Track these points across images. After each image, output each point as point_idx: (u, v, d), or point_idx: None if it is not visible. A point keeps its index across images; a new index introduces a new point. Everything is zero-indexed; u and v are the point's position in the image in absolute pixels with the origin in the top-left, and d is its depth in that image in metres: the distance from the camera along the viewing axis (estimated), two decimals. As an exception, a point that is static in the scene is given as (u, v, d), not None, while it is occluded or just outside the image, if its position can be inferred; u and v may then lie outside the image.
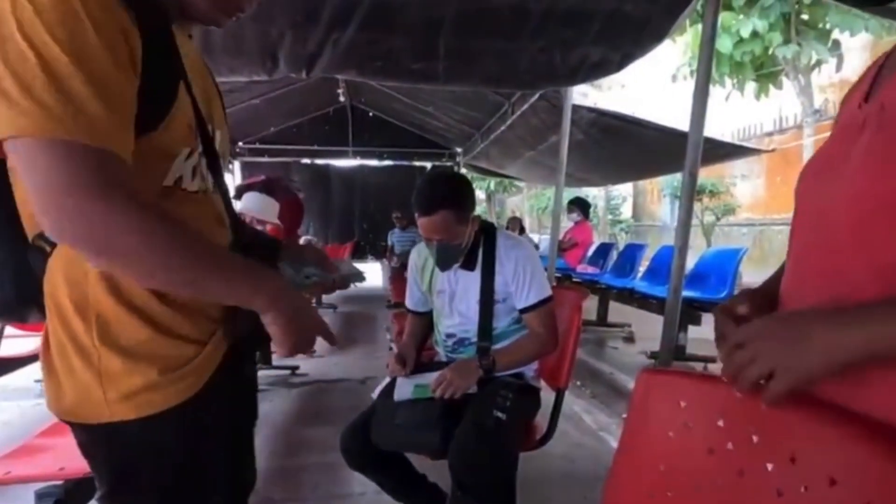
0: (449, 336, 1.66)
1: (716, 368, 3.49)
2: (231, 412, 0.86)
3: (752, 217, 7.46)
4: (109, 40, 0.61)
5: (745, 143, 4.97)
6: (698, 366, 3.37)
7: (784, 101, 7.28)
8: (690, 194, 2.34)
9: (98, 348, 0.70)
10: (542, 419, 1.61)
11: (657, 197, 11.08)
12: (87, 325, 0.70)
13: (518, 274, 1.53)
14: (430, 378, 1.50)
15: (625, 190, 11.66)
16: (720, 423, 0.71)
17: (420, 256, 1.74)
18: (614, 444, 2.60)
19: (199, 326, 0.77)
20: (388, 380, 1.61)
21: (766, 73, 5.00)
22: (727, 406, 0.70)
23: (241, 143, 8.11)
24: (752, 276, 3.51)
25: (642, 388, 0.84)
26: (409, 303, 1.80)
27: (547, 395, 1.63)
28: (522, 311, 1.55)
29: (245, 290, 0.71)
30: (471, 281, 1.59)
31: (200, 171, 0.77)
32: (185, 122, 0.73)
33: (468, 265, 1.60)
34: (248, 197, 2.79)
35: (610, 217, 11.19)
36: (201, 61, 0.83)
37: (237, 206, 2.76)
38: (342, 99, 6.69)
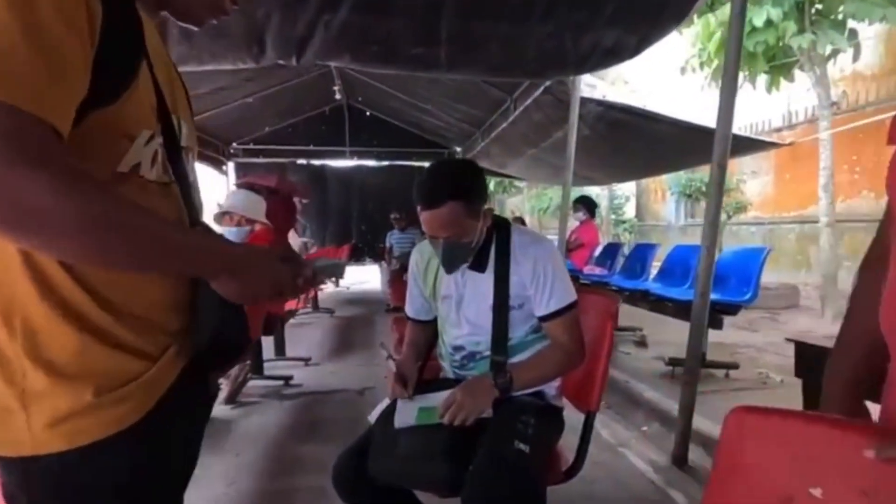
0: (457, 349, 1.44)
1: (738, 375, 3.30)
2: (188, 440, 0.77)
3: (760, 216, 7.27)
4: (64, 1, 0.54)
5: (760, 137, 4.78)
6: (720, 373, 3.16)
7: (793, 96, 7.09)
8: (719, 187, 2.14)
9: (22, 361, 0.60)
10: (563, 443, 1.40)
11: (661, 196, 10.87)
12: (10, 333, 0.60)
13: (537, 275, 1.31)
14: (437, 400, 1.29)
15: (628, 189, 11.46)
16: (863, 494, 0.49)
17: (422, 257, 1.52)
18: (634, 460, 2.40)
19: (148, 337, 0.68)
20: (387, 401, 1.39)
21: (778, 64, 4.80)
22: (869, 471, 0.48)
23: (234, 144, 7.93)
24: (764, 276, 3.31)
25: (735, 436, 0.61)
26: (409, 310, 1.58)
27: (570, 414, 1.41)
28: (543, 318, 1.33)
29: (198, 256, 0.66)
30: (482, 284, 1.38)
31: (161, 160, 0.70)
32: (147, 102, 0.67)
33: (478, 265, 1.38)
34: (234, 195, 2.58)
35: (613, 217, 10.99)
36: (165, 52, 0.77)
37: (223, 203, 2.55)
38: (338, 97, 6.49)
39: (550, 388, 1.41)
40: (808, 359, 2.09)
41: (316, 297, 6.48)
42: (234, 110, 6.19)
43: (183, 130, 0.77)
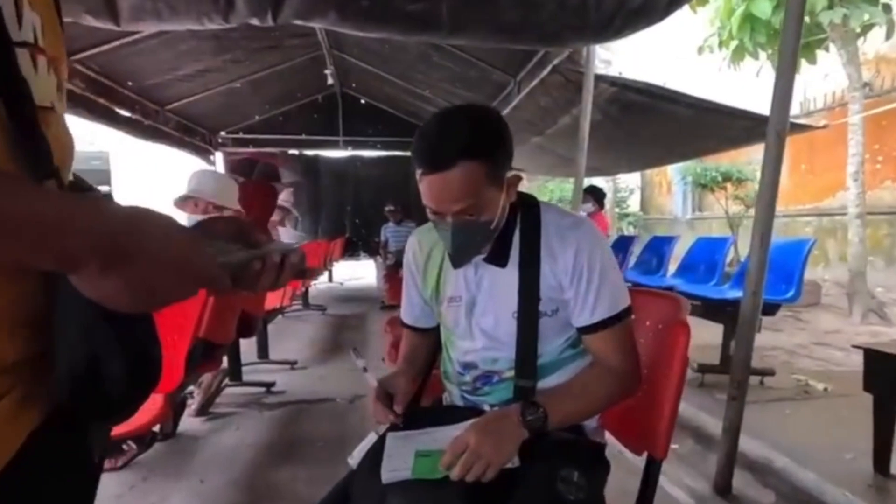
0: (467, 367, 1.08)
1: (774, 382, 2.97)
2: None
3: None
4: None
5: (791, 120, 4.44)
6: (754, 380, 2.81)
7: (810, 83, 6.74)
8: (777, 162, 1.78)
9: None
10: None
11: (667, 189, 10.51)
12: None
13: (579, 271, 0.96)
14: (442, 440, 0.93)
15: (632, 181, 11.10)
16: None
17: (421, 248, 1.16)
18: (669, 487, 2.04)
19: None
20: (372, 437, 1.04)
21: (804, 42, 4.44)
22: None
23: (223, 133, 7.58)
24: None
25: None
26: (406, 315, 1.22)
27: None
28: (585, 330, 0.98)
29: (43, 230, 0.36)
30: (502, 282, 1.02)
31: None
32: None
33: (498, 257, 1.02)
34: (200, 175, 2.19)
35: (617, 210, 10.63)
36: None
37: (187, 186, 2.17)
38: (330, 81, 6.12)
39: (591, 420, 1.06)
40: (881, 370, 1.75)
41: (307, 292, 6.12)
42: (219, 96, 5.83)
43: (24, 16, 0.46)
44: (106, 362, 0.44)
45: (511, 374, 1.02)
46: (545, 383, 1.02)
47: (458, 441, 0.87)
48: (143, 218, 0.40)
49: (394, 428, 1.03)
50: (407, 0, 2.11)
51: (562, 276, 0.98)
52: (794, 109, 7.06)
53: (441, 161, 0.87)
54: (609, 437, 1.12)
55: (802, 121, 6.30)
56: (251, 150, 7.67)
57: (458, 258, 1.01)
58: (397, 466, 0.90)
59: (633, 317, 0.98)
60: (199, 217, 2.20)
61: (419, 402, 1.18)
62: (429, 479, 0.86)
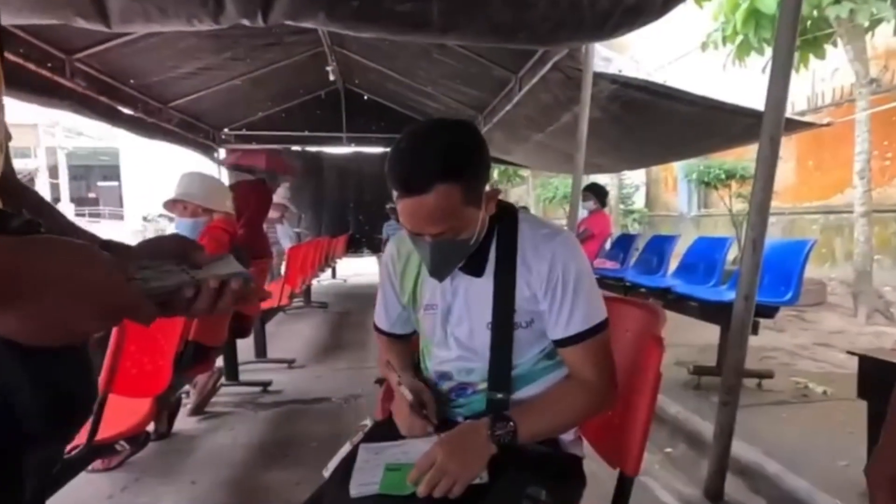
0: (443, 377, 1.08)
1: (772, 385, 2.93)
2: None
3: (780, 206, 6.83)
4: None
5: (795, 117, 4.37)
6: (750, 383, 2.78)
7: (818, 76, 6.63)
8: (771, 166, 1.75)
9: None
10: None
11: (672, 185, 10.40)
12: None
13: (554, 283, 0.94)
14: (411, 453, 0.93)
15: (637, 178, 10.99)
16: None
17: (399, 253, 1.14)
18: (659, 492, 2.04)
19: None
20: (346, 447, 1.04)
21: (810, 38, 4.37)
22: None
23: (226, 130, 7.59)
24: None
25: None
26: (380, 320, 1.20)
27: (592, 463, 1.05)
28: (560, 343, 0.97)
29: None
30: (477, 292, 1.01)
31: None
32: None
33: (474, 267, 1.01)
34: (188, 178, 2.18)
35: (622, 207, 10.54)
36: None
37: (176, 189, 2.16)
38: (332, 78, 6.10)
39: (567, 433, 1.05)
40: (875, 377, 1.72)
41: (309, 289, 6.14)
42: (222, 93, 5.84)
43: None
44: (15, 395, 0.43)
45: (484, 385, 1.02)
46: (520, 395, 1.01)
47: (426, 457, 0.86)
48: (40, 251, 0.39)
49: (367, 439, 1.03)
50: (397, 0, 2.09)
51: (536, 287, 0.97)
52: (802, 104, 6.95)
53: (416, 185, 0.86)
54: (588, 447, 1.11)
55: (809, 117, 6.21)
56: (254, 146, 7.69)
57: (438, 273, 1.00)
58: (366, 480, 0.90)
59: (608, 330, 0.97)
60: (188, 220, 2.22)
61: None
62: (395, 494, 0.86)
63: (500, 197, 1.03)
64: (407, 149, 0.89)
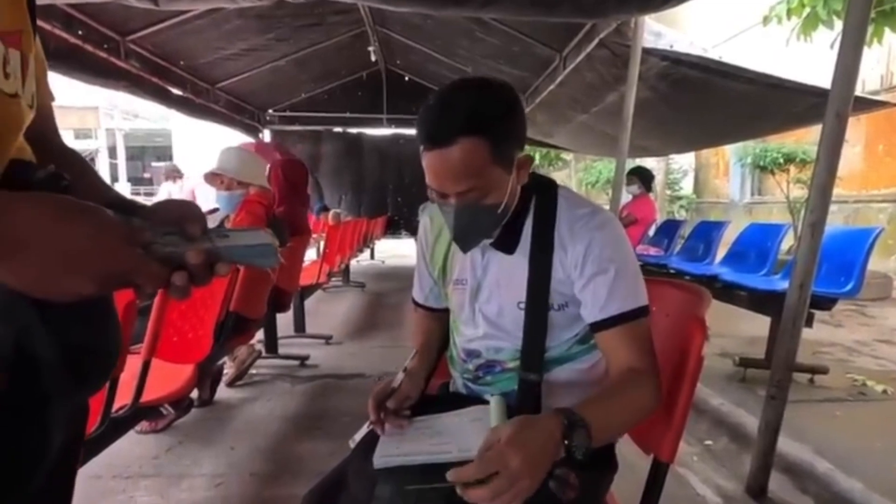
0: (471, 354, 1.05)
1: (826, 381, 2.76)
2: None
3: (843, 193, 6.36)
4: None
5: (865, 96, 4.04)
6: (801, 378, 2.63)
7: (893, 53, 6.09)
8: (837, 142, 1.61)
9: None
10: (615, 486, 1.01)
11: (724, 171, 9.86)
12: None
13: (591, 264, 0.89)
14: (438, 427, 0.91)
15: (686, 162, 10.50)
16: None
17: (432, 223, 1.12)
18: (697, 485, 1.95)
19: None
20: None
21: (886, 9, 3.99)
22: None
23: (270, 111, 7.75)
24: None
25: None
26: (416, 293, 1.19)
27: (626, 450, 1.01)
28: (596, 326, 0.92)
29: None
30: (509, 271, 0.97)
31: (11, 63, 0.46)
32: None
33: (506, 244, 0.97)
34: (226, 153, 2.23)
35: (668, 193, 10.11)
36: None
37: (213, 162, 2.21)
38: (374, 58, 6.10)
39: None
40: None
41: (348, 268, 6.24)
42: (266, 74, 5.96)
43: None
44: (34, 343, 0.43)
45: (514, 364, 0.98)
46: (551, 377, 0.98)
47: (491, 458, 0.66)
48: (23, 207, 0.38)
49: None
50: (437, -28, 2.03)
51: (571, 269, 0.92)
52: (874, 84, 6.41)
53: (440, 136, 0.82)
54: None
55: (883, 96, 5.72)
56: (297, 127, 7.84)
57: (463, 242, 0.96)
58: (389, 452, 0.89)
59: (649, 318, 0.90)
60: (224, 193, 2.27)
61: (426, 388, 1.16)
62: (418, 467, 0.84)
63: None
64: (436, 102, 0.85)
